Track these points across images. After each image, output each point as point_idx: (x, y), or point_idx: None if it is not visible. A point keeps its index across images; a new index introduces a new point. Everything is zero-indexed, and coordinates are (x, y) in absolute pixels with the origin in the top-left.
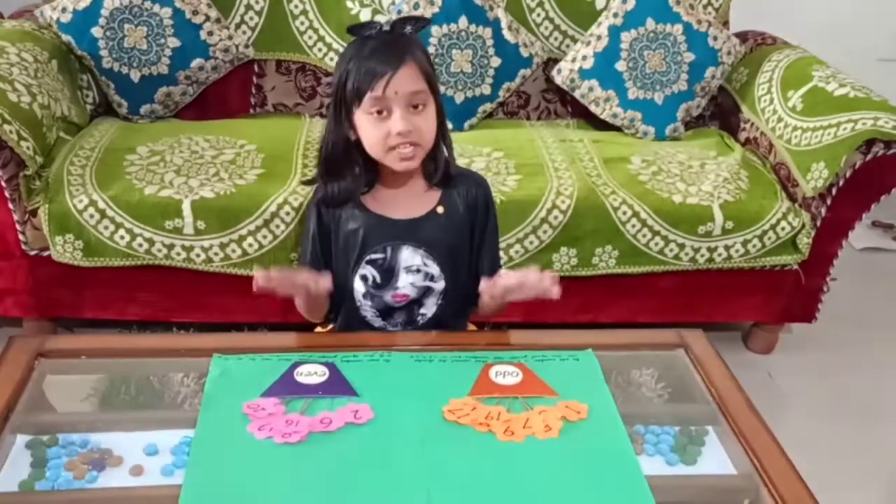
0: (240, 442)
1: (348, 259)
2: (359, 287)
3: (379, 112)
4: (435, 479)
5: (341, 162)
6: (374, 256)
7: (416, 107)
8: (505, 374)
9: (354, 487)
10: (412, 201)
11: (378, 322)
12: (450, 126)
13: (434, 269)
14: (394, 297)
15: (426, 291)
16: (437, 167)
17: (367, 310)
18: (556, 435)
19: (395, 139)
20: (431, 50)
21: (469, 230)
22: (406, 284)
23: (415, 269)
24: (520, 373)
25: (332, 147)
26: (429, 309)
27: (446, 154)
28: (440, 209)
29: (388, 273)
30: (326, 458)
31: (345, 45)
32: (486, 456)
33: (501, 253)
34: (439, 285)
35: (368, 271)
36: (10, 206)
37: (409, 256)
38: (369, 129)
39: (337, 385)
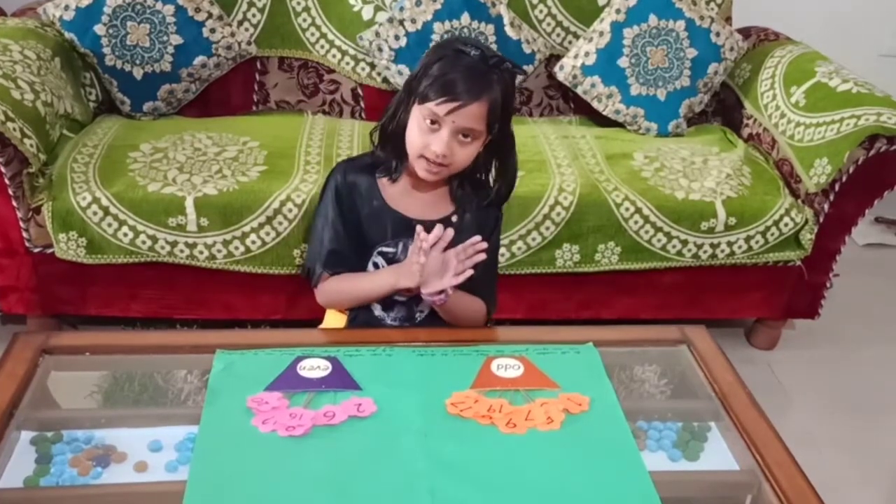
0: (244, 435)
1: (362, 245)
2: None
3: (431, 122)
4: (438, 472)
5: (401, 138)
6: (385, 249)
7: (465, 136)
8: (506, 367)
9: (358, 480)
10: (430, 203)
11: (378, 311)
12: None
13: None
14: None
15: None
16: (464, 187)
17: None
18: (558, 427)
19: (430, 153)
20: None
21: None
22: None
23: None
24: (521, 366)
25: (397, 124)
26: (426, 307)
27: (498, 180)
28: (454, 218)
29: None
30: (330, 451)
31: (346, 41)
32: (489, 448)
33: (504, 249)
34: None
35: (379, 261)
36: (14, 203)
37: None
38: (415, 130)
39: (340, 379)
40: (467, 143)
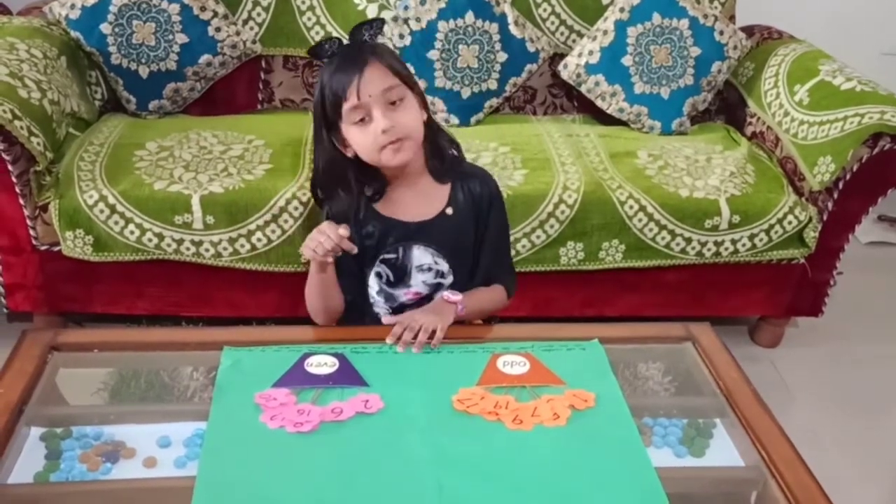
0: (252, 431)
1: (363, 260)
2: (373, 284)
3: (361, 119)
4: (445, 468)
5: (335, 181)
6: (387, 256)
7: (393, 103)
8: (512, 363)
9: (366, 476)
10: (422, 202)
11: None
12: (455, 121)
13: (444, 265)
14: (406, 296)
15: (437, 288)
16: (443, 161)
17: (381, 307)
18: (564, 423)
19: (382, 138)
20: (438, 45)
21: (474, 227)
22: (418, 283)
23: (426, 268)
24: (527, 362)
25: (324, 168)
26: None
27: (450, 147)
28: (449, 210)
29: (401, 272)
30: (338, 447)
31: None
32: (496, 444)
33: None
34: (448, 281)
35: (382, 269)
36: (21, 201)
37: (420, 255)
38: (358, 138)
39: (347, 375)
40: (400, 105)
